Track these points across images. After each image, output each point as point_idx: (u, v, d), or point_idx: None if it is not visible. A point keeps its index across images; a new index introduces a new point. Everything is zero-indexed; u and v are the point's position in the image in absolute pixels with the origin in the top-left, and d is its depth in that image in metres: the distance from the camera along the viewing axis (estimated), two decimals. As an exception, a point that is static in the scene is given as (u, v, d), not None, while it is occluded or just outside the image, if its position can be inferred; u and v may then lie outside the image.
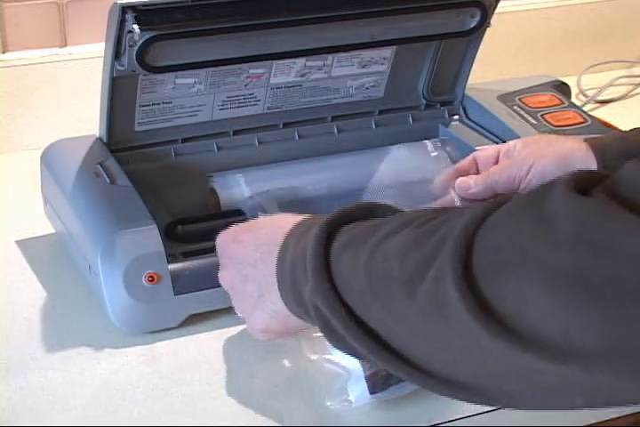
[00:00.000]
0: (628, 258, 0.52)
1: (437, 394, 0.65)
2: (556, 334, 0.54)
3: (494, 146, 1.00)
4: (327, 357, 0.84)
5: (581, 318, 0.54)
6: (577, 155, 0.92)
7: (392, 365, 0.65)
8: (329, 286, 0.67)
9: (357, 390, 0.81)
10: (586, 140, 0.94)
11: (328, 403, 0.82)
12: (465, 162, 0.98)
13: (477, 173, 0.97)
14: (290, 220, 0.76)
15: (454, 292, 0.57)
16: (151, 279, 0.88)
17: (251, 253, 0.78)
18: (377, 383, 0.80)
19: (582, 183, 0.56)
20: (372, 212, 0.72)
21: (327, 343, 0.79)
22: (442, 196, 0.97)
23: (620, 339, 0.53)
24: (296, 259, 0.71)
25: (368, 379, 0.80)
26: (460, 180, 0.96)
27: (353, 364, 0.80)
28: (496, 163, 0.96)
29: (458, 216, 0.61)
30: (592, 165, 0.91)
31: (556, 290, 0.54)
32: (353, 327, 0.66)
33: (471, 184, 0.95)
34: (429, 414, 0.82)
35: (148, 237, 0.89)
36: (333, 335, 0.68)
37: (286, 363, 0.87)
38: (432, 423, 0.81)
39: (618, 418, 0.87)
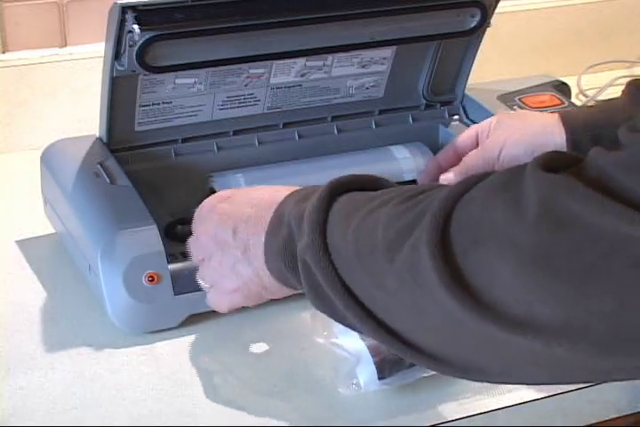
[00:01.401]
0: (587, 232, 0.53)
1: (417, 364, 0.66)
2: (520, 309, 0.56)
3: (472, 126, 1.03)
4: (334, 341, 0.85)
5: (543, 295, 0.55)
6: (548, 130, 0.96)
7: (372, 330, 0.66)
8: (322, 244, 0.67)
9: (366, 374, 0.82)
10: (559, 114, 0.98)
11: (340, 390, 0.83)
12: (445, 152, 1.02)
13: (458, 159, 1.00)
14: (287, 187, 0.77)
15: (428, 260, 0.59)
16: (151, 279, 0.88)
17: (244, 210, 0.77)
18: (385, 369, 0.81)
19: (552, 163, 0.57)
20: (377, 183, 0.73)
21: (335, 329, 0.81)
22: None
23: (578, 315, 0.54)
24: (293, 216, 0.71)
25: (376, 364, 0.80)
26: (441, 179, 0.99)
27: (361, 349, 0.81)
28: (477, 145, 1.00)
29: (440, 191, 0.63)
30: (561, 138, 0.96)
31: (521, 267, 0.56)
32: (338, 288, 0.66)
33: (452, 178, 0.97)
34: (435, 401, 0.82)
35: (148, 237, 0.89)
36: (318, 296, 0.69)
37: (289, 357, 0.87)
38: (432, 423, 0.81)
39: (618, 418, 0.87)
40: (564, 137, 0.95)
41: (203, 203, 0.82)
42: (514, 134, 0.97)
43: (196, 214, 0.82)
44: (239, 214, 0.77)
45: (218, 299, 0.81)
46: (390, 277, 0.63)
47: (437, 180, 0.99)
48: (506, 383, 0.66)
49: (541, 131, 0.96)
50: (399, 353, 0.65)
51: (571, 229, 0.54)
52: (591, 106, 1.00)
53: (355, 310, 0.66)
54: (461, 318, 0.58)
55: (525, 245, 0.55)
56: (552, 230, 0.55)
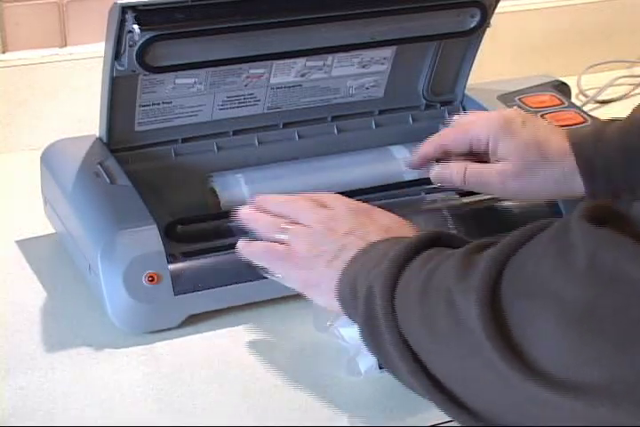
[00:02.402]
0: (634, 288, 0.53)
1: (445, 412, 0.67)
2: (562, 368, 0.55)
3: (465, 135, 0.95)
4: (336, 332, 0.86)
5: (586, 354, 0.54)
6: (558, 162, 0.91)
7: (416, 377, 0.67)
8: (394, 277, 0.70)
9: (367, 363, 0.83)
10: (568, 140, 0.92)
11: (342, 374, 0.84)
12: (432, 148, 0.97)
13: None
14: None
15: (475, 307, 0.59)
16: (151, 279, 0.88)
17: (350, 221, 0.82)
18: None
19: (596, 214, 0.57)
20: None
21: (336, 322, 0.84)
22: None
23: (623, 375, 0.54)
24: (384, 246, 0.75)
25: None
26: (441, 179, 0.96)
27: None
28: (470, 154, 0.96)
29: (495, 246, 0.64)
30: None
31: (565, 324, 0.55)
32: (392, 324, 0.68)
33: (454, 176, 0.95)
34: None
35: (148, 237, 0.89)
36: (367, 326, 0.71)
37: (291, 354, 0.87)
38: (432, 423, 0.81)
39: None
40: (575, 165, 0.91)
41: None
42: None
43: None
44: (346, 222, 0.82)
45: (268, 250, 0.83)
46: (442, 320, 0.63)
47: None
48: None
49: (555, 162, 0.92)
50: (429, 395, 0.66)
51: (617, 285, 0.53)
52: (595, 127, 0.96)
53: (405, 356, 0.67)
54: (500, 369, 0.58)
55: (571, 298, 0.55)
56: (598, 285, 0.54)
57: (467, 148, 0.94)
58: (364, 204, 0.85)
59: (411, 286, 0.69)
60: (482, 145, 0.93)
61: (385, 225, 0.81)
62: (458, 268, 0.64)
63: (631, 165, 0.87)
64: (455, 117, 0.99)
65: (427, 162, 0.97)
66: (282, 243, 0.83)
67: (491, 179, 0.92)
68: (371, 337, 0.72)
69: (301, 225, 0.83)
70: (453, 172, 0.94)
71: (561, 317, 0.55)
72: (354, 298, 0.75)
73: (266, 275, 0.86)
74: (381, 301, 0.70)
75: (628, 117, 0.92)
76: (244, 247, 0.86)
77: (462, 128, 0.96)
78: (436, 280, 0.66)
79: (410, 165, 1.00)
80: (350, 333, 0.84)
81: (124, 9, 0.87)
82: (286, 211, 0.85)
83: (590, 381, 0.55)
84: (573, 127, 1.09)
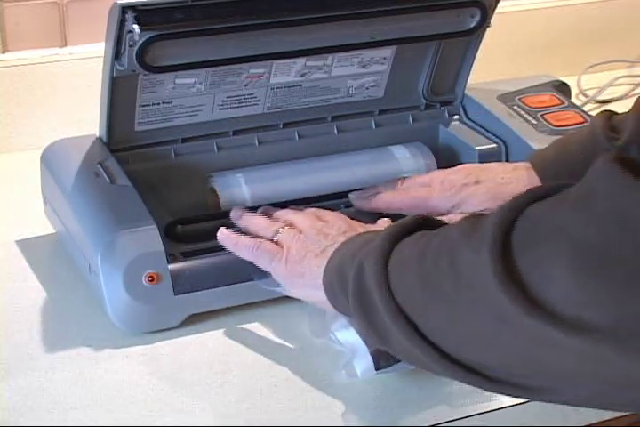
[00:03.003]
0: None
1: (462, 382, 0.66)
2: (570, 306, 0.56)
3: (418, 209, 0.96)
4: (332, 336, 0.86)
5: (595, 295, 0.55)
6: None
7: (412, 341, 0.67)
8: (386, 251, 0.70)
9: (363, 365, 0.83)
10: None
11: (341, 375, 0.84)
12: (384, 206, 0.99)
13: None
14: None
15: (487, 257, 0.59)
16: (151, 279, 0.88)
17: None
18: (381, 359, 0.82)
19: (621, 161, 0.56)
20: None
21: (332, 326, 0.84)
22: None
23: (629, 318, 0.54)
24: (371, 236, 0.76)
25: (373, 355, 0.82)
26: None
27: (357, 342, 0.82)
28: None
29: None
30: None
31: (577, 266, 0.55)
32: (388, 298, 0.68)
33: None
34: (435, 402, 0.82)
35: (148, 237, 0.89)
36: (358, 302, 0.71)
37: (289, 355, 0.87)
38: (432, 423, 0.81)
39: (617, 418, 0.87)
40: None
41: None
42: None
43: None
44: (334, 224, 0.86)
45: (268, 250, 0.85)
46: (446, 281, 0.63)
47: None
48: (544, 401, 0.65)
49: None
50: (450, 374, 0.66)
51: (632, 231, 0.54)
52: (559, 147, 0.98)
53: (406, 329, 0.67)
54: (512, 315, 0.58)
55: (584, 243, 0.55)
56: (613, 230, 0.54)
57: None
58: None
59: (405, 254, 0.69)
60: (440, 211, 0.95)
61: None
62: (463, 228, 0.64)
63: None
64: (406, 181, 0.99)
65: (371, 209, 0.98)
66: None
67: None
68: (362, 311, 0.72)
69: (295, 228, 0.86)
70: None
71: (574, 259, 0.55)
72: (342, 280, 0.75)
73: (254, 276, 0.88)
74: (373, 273, 0.70)
75: (587, 130, 0.96)
76: (227, 238, 0.89)
77: (419, 199, 0.96)
78: (435, 244, 0.66)
79: (354, 202, 1.00)
80: (346, 336, 0.84)
81: (124, 9, 0.87)
82: (283, 217, 0.89)
83: (597, 321, 0.55)
84: (570, 128, 1.09)
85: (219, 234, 0.90)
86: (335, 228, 0.85)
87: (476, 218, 0.65)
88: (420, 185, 0.97)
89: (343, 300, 0.76)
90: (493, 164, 1.00)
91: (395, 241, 0.71)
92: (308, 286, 0.82)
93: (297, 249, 0.84)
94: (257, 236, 0.88)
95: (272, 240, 0.87)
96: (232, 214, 0.93)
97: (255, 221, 0.90)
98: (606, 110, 0.99)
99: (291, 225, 0.87)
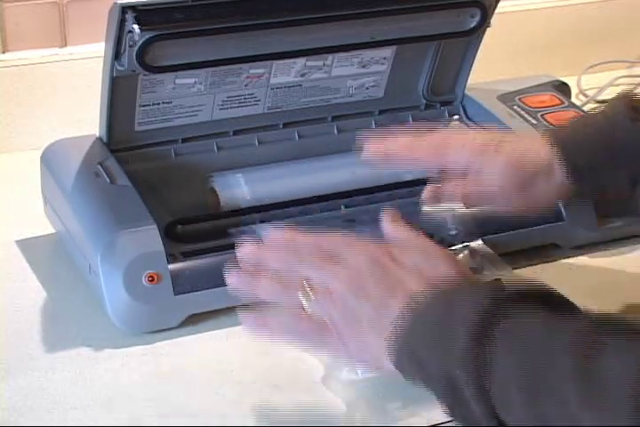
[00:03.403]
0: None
1: None
2: None
3: (437, 161, 0.91)
4: None
5: None
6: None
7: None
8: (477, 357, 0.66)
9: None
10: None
11: (341, 374, 0.83)
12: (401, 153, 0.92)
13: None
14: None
15: None
16: (151, 279, 0.88)
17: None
18: None
19: None
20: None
21: None
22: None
23: None
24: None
25: None
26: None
27: None
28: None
29: None
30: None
31: None
32: (483, 398, 0.66)
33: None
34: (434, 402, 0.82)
35: (148, 237, 0.89)
36: (448, 395, 0.69)
37: (290, 356, 0.87)
38: (432, 423, 0.81)
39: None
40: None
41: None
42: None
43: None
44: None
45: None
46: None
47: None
48: None
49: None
50: None
51: None
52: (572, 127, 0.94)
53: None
54: None
55: None
56: None
57: (437, 168, 0.91)
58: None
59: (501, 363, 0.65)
60: (458, 169, 0.90)
61: (415, 267, 0.74)
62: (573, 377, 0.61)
63: (617, 161, 0.88)
64: (427, 135, 0.92)
65: (385, 156, 0.91)
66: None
67: (492, 198, 0.91)
68: (452, 401, 0.69)
69: (321, 289, 0.75)
70: (450, 196, 0.92)
71: None
72: (419, 369, 0.70)
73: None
74: (471, 387, 0.66)
75: (603, 112, 0.92)
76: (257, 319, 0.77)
77: (437, 151, 0.91)
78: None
79: (366, 154, 0.91)
80: None
81: (124, 9, 0.87)
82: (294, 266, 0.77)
83: None
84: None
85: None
86: (368, 276, 0.73)
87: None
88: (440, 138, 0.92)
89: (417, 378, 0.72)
90: (517, 132, 0.97)
91: (481, 341, 0.66)
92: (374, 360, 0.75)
93: (340, 316, 0.73)
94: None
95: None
96: (241, 251, 0.79)
97: (264, 284, 0.77)
98: (621, 93, 0.95)
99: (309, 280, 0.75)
